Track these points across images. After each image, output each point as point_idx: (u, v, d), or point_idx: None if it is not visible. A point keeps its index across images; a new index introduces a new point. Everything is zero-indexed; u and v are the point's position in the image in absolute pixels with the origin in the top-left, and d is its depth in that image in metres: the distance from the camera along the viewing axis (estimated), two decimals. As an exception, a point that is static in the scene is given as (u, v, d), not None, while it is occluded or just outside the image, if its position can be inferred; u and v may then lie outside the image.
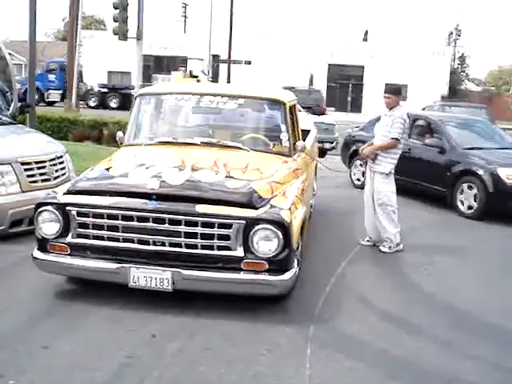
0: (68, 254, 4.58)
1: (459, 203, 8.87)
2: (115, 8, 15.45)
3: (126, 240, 4.47)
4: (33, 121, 9.88)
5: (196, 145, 5.54)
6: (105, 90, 34.39)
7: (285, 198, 4.74)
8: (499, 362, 4.07)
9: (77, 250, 4.56)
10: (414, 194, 9.66)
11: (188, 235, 4.37)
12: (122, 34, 15.52)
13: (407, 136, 9.71)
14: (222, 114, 6.15)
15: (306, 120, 15.89)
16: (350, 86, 46.05)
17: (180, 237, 4.38)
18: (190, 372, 3.65)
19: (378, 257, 6.47)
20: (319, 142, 15.94)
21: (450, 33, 55.46)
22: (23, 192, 6.33)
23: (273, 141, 5.81)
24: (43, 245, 4.65)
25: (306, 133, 7.69)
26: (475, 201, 8.62)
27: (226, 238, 4.34)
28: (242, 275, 4.35)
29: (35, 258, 4.69)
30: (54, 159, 6.87)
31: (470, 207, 8.71)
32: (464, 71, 54.54)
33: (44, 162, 6.69)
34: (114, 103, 33.76)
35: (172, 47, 45.62)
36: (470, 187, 8.74)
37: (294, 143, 5.88)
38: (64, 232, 4.56)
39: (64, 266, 4.60)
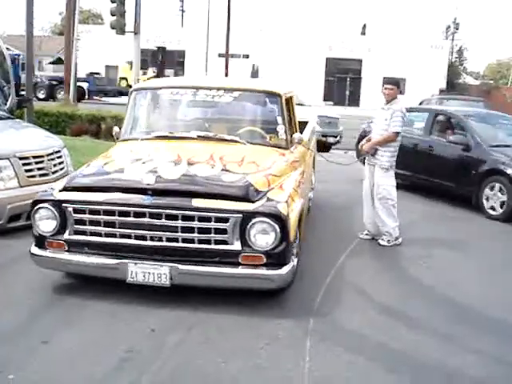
0: (66, 251, 4.58)
1: (485, 204, 8.38)
2: (112, 2, 15.41)
3: (123, 236, 4.46)
4: (30, 115, 9.87)
5: (192, 139, 5.52)
6: (54, 82, 33.92)
7: (282, 191, 4.73)
8: (501, 355, 4.06)
9: (74, 246, 4.56)
10: (438, 195, 9.33)
11: (185, 230, 4.36)
12: (120, 28, 15.49)
13: (429, 133, 9.65)
14: (218, 107, 6.14)
15: (308, 113, 15.86)
16: (348, 79, 46.03)
17: (177, 232, 4.37)
18: (188, 365, 3.65)
19: (377, 250, 6.47)
20: (322, 136, 15.95)
21: (447, 26, 55.38)
22: (21, 187, 6.32)
23: (269, 133, 5.79)
24: (41, 241, 4.64)
25: (304, 124, 7.68)
26: (503, 202, 8.14)
27: (223, 232, 4.33)
28: (239, 269, 4.35)
29: (33, 254, 4.69)
30: (51, 154, 6.86)
31: (496, 208, 8.24)
32: (462, 65, 54.53)
33: (42, 156, 6.68)
34: (62, 95, 33.12)
35: (170, 41, 45.47)
36: (497, 187, 8.24)
37: (291, 135, 5.86)
38: (61, 229, 4.55)
39: (62, 262, 4.60)
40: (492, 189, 8.34)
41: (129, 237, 4.46)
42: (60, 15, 56.38)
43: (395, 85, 6.60)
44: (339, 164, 7.78)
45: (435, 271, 5.86)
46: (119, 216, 4.43)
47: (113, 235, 4.48)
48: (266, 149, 5.59)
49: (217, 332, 4.11)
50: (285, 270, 4.39)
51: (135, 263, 4.41)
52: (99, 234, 4.50)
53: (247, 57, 43.76)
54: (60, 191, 4.69)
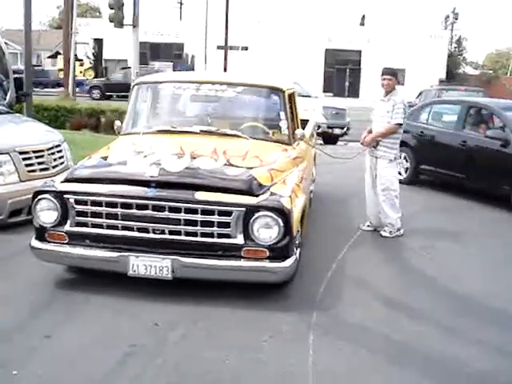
0: (66, 243, 4.55)
1: None
2: (110, -5, 15.31)
3: (125, 228, 4.44)
4: (30, 110, 9.83)
5: (195, 133, 5.50)
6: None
7: (285, 186, 4.71)
8: (504, 346, 4.05)
9: (75, 238, 4.53)
10: (472, 194, 8.78)
11: (188, 223, 4.34)
12: (118, 21, 15.41)
13: (462, 127, 9.01)
14: (220, 102, 6.11)
15: (313, 104, 15.70)
16: (348, 70, 45.92)
17: (180, 224, 4.35)
18: (192, 360, 3.64)
19: (379, 242, 6.46)
20: (328, 128, 15.82)
21: (446, 16, 55.12)
22: (22, 181, 6.30)
23: (272, 129, 5.77)
24: (41, 234, 4.62)
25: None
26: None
27: (226, 225, 4.32)
28: (242, 262, 4.33)
29: (33, 247, 4.67)
30: (51, 148, 6.84)
31: None
32: (461, 55, 54.29)
33: (42, 151, 6.65)
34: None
35: (168, 34, 45.38)
36: None
37: (294, 131, 5.84)
38: (62, 220, 4.53)
39: (62, 255, 4.58)
40: None
41: (131, 229, 4.44)
42: (58, 9, 56.14)
43: (393, 75, 6.56)
44: (340, 158, 7.73)
45: (438, 262, 5.86)
46: (121, 208, 4.41)
47: (115, 227, 4.46)
48: (269, 144, 5.57)
49: (219, 326, 4.10)
50: (288, 262, 4.38)
51: (137, 256, 4.39)
52: (101, 226, 4.48)
53: (246, 49, 43.69)
54: (62, 182, 4.67)
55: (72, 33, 20.47)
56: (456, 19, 56.01)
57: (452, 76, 45.22)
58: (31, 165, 6.47)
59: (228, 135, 5.50)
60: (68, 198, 4.51)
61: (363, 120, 11.36)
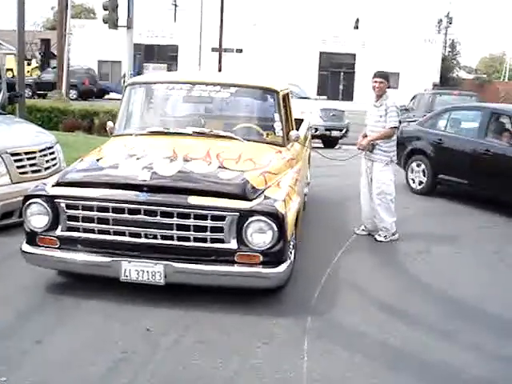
0: (58, 248, 4.49)
1: None
2: (105, -4, 15.28)
3: (116, 233, 4.38)
4: (22, 111, 9.75)
5: (188, 135, 5.45)
6: None
7: (279, 189, 4.67)
8: (501, 352, 4.02)
9: (67, 243, 4.47)
10: (470, 199, 8.66)
11: (180, 227, 4.29)
12: (112, 23, 15.41)
13: (484, 134, 8.41)
14: (214, 103, 6.07)
15: (311, 106, 15.56)
16: (342, 74, 45.97)
17: (172, 229, 4.30)
18: (185, 366, 3.58)
19: (374, 246, 6.42)
20: (326, 130, 15.68)
21: (439, 20, 55.19)
22: (13, 183, 6.24)
23: (266, 130, 5.72)
24: (32, 238, 4.56)
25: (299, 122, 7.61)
26: None
27: (219, 230, 4.26)
28: (235, 268, 4.28)
29: (24, 251, 4.60)
30: (44, 150, 6.77)
31: None
32: (455, 59, 54.40)
33: (34, 152, 6.59)
34: None
35: (163, 36, 45.31)
36: None
37: (288, 133, 5.79)
38: (53, 225, 4.47)
39: (53, 259, 4.51)
40: None
41: (123, 234, 4.38)
42: (52, 10, 55.93)
43: (385, 78, 6.50)
44: (334, 159, 7.68)
45: (433, 266, 5.82)
46: (113, 212, 4.35)
47: (106, 232, 4.40)
48: (263, 146, 5.52)
49: (213, 331, 4.04)
50: (282, 268, 4.33)
51: (129, 261, 4.33)
52: (92, 231, 4.42)
53: (241, 51, 43.67)
54: (53, 186, 4.61)
55: (66, 34, 20.39)
56: (450, 23, 56.15)
57: (446, 80, 45.33)
58: (23, 166, 6.41)
59: (221, 137, 5.45)
60: (59, 203, 4.45)
61: (358, 123, 11.35)
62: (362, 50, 44.71)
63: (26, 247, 4.60)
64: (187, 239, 4.31)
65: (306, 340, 3.97)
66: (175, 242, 4.32)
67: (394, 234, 6.59)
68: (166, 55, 46.04)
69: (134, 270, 4.33)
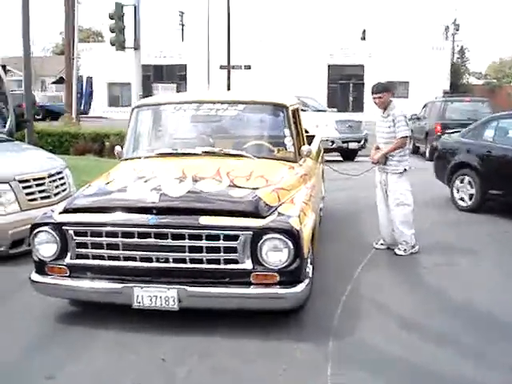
0: (67, 276, 4.35)
1: None
2: (111, 18, 15.38)
3: (127, 258, 4.24)
4: (31, 136, 9.70)
5: (197, 155, 5.31)
6: None
7: (293, 205, 4.50)
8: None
9: (76, 271, 4.33)
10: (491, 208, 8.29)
11: (192, 249, 4.13)
12: (119, 45, 15.45)
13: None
14: (222, 121, 5.92)
15: (325, 119, 15.31)
16: (351, 85, 45.86)
17: (184, 252, 4.14)
18: (201, 397, 3.41)
19: (394, 260, 6.20)
20: (343, 143, 15.38)
21: (446, 27, 55.04)
22: (22, 211, 6.15)
23: (277, 146, 5.57)
24: (41, 267, 4.43)
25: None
26: None
27: (233, 250, 4.09)
28: (251, 289, 4.10)
29: (33, 281, 4.47)
30: (53, 175, 6.68)
31: None
32: (464, 65, 54.16)
33: (43, 178, 6.50)
34: None
35: (171, 56, 45.54)
36: None
37: (299, 148, 5.64)
38: (62, 253, 4.33)
39: (64, 288, 4.38)
40: None
41: (133, 259, 4.23)
42: (60, 35, 56.49)
43: (384, 91, 6.26)
44: (347, 174, 7.45)
45: (457, 281, 5.57)
46: (123, 237, 4.21)
47: (116, 258, 4.25)
48: (274, 162, 5.36)
49: (230, 359, 3.85)
50: (299, 288, 4.14)
51: (141, 287, 4.17)
52: (102, 258, 4.28)
53: (249, 68, 43.74)
54: (60, 213, 4.48)
55: (74, 58, 20.49)
56: (457, 30, 56.03)
57: (456, 87, 45.06)
58: (32, 193, 6.32)
59: (232, 155, 5.30)
60: (67, 230, 4.32)
61: (371, 134, 11.20)
62: (370, 61, 44.58)
63: (36, 276, 4.47)
64: (200, 261, 4.15)
65: (330, 366, 3.76)
66: (188, 265, 4.16)
67: (413, 247, 6.38)
68: (174, 75, 46.23)
69: (146, 295, 4.18)
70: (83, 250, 4.30)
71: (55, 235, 4.32)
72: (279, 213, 4.26)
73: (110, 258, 4.26)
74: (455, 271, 5.87)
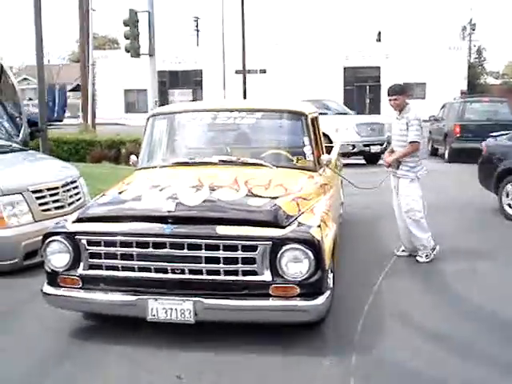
0: (80, 288, 4.22)
1: None
2: (125, 25, 15.35)
3: (141, 269, 4.10)
4: (45, 145, 9.64)
5: (214, 164, 5.18)
6: None
7: (313, 215, 4.34)
8: None
9: (89, 282, 4.21)
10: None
11: (209, 260, 3.98)
12: (134, 51, 15.43)
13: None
14: (239, 129, 5.79)
15: (346, 122, 15.02)
16: (368, 87, 45.54)
17: (201, 262, 3.99)
18: (220, 417, 3.25)
19: (417, 268, 6.01)
20: (365, 146, 15.06)
21: (463, 27, 54.58)
22: (36, 221, 6.06)
23: (295, 155, 5.41)
24: (53, 278, 4.31)
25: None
26: None
27: (252, 261, 3.94)
28: (270, 302, 3.93)
29: (45, 293, 4.35)
30: (67, 185, 6.59)
31: None
32: (482, 65, 53.59)
33: (56, 188, 6.41)
34: None
35: (186, 61, 45.59)
36: None
37: (319, 157, 5.49)
38: (75, 263, 4.20)
39: (76, 300, 4.25)
40: None
41: (148, 270, 4.09)
42: (77, 43, 56.93)
43: (400, 93, 6.09)
44: (364, 189, 7.11)
45: (482, 287, 5.38)
46: (137, 247, 4.07)
47: (131, 269, 4.11)
48: (293, 172, 5.22)
49: (249, 376, 3.70)
50: (320, 299, 3.97)
51: (156, 299, 4.03)
52: (116, 268, 4.14)
53: (264, 72, 43.63)
54: (73, 222, 4.37)
55: (89, 65, 20.53)
56: (473, 30, 55.51)
57: (473, 87, 44.56)
58: (45, 203, 6.23)
59: (250, 164, 5.16)
60: (80, 239, 4.19)
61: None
62: (386, 62, 44.26)
63: (48, 288, 4.35)
64: (217, 273, 4.00)
65: (353, 382, 3.58)
66: (204, 277, 4.01)
67: (434, 249, 6.17)
68: (190, 80, 46.28)
69: (161, 308, 4.03)
70: (96, 261, 4.18)
71: (68, 245, 4.20)
72: (299, 223, 4.10)
73: (124, 268, 4.13)
74: (481, 280, 5.65)
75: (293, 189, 4.64)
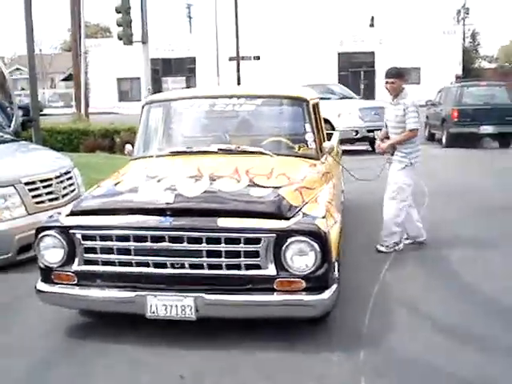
0: (75, 284, 4.04)
1: None
2: (118, 12, 15.13)
3: (139, 264, 3.92)
4: (38, 135, 9.43)
5: (213, 153, 4.99)
6: None
7: (318, 205, 4.16)
8: None
9: (85, 278, 4.03)
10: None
11: (210, 254, 3.81)
12: (127, 38, 15.22)
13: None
14: (239, 117, 5.59)
15: (349, 107, 14.64)
16: (362, 73, 45.29)
17: (201, 256, 3.82)
18: (225, 419, 3.10)
19: (421, 257, 5.85)
20: (368, 132, 14.71)
21: (457, 11, 54.22)
22: (29, 214, 5.88)
23: (297, 143, 5.23)
24: (47, 275, 4.13)
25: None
26: None
27: (255, 254, 3.77)
28: (275, 296, 3.77)
29: (39, 290, 4.17)
30: (60, 176, 6.40)
31: None
32: (476, 49, 53.31)
33: (50, 179, 6.22)
34: None
35: (179, 49, 45.19)
36: None
37: (321, 144, 5.30)
38: (69, 259, 4.02)
39: (71, 297, 4.07)
40: None
41: (146, 265, 3.91)
42: (69, 32, 56.38)
43: (398, 76, 5.88)
44: (364, 180, 6.90)
45: (491, 275, 5.24)
46: (135, 241, 3.89)
47: (128, 264, 3.94)
48: (295, 160, 5.03)
49: (253, 374, 3.53)
50: (327, 294, 3.80)
51: (155, 295, 3.86)
52: (112, 263, 3.96)
53: (258, 58, 43.32)
54: (67, 216, 4.18)
55: (81, 54, 20.21)
56: (467, 14, 55.14)
57: (468, 71, 44.36)
58: (39, 195, 6.05)
59: (250, 153, 4.97)
60: (74, 234, 4.01)
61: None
62: (380, 48, 44.01)
63: (41, 285, 4.17)
64: (219, 267, 3.83)
65: (363, 380, 3.43)
66: (205, 271, 3.84)
67: (397, 244, 6.01)
68: (184, 68, 45.92)
69: (161, 304, 3.86)
70: (92, 256, 4.00)
71: (62, 239, 4.02)
72: (304, 213, 3.93)
73: (121, 263, 3.95)
74: (489, 268, 5.51)
75: (296, 178, 4.47)
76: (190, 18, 59.41)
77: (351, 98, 16.78)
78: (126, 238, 3.92)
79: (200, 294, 3.80)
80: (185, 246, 3.82)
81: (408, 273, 5.39)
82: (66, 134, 15.20)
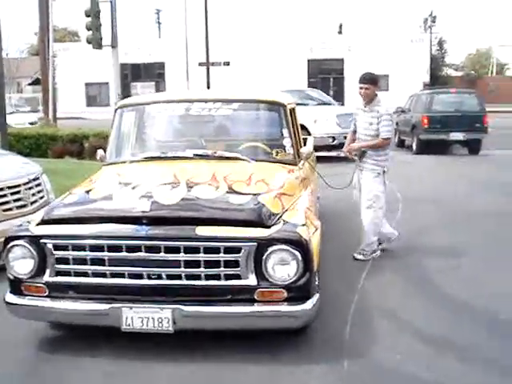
0: (46, 296, 3.87)
1: None
2: (87, 16, 14.86)
3: (114, 275, 3.77)
4: (4, 140, 9.17)
5: (188, 158, 4.86)
6: None
7: (297, 212, 4.08)
8: None
9: (57, 290, 3.85)
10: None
11: (189, 264, 3.68)
12: (96, 42, 14.95)
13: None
14: (215, 121, 5.49)
15: (326, 113, 14.49)
16: (331, 79, 45.61)
17: (179, 267, 3.69)
18: None
19: (400, 264, 5.81)
20: (345, 138, 14.45)
21: (424, 19, 54.98)
22: (-4, 222, 5.62)
23: (275, 148, 5.14)
24: (16, 286, 3.94)
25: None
26: None
27: (235, 264, 3.65)
28: (255, 307, 3.66)
29: (8, 302, 3.98)
30: (28, 182, 6.17)
31: None
32: (443, 57, 54.12)
33: (18, 186, 5.99)
34: None
35: (149, 54, 44.88)
36: None
37: (298, 150, 5.23)
38: (40, 270, 3.84)
39: (42, 310, 3.89)
40: None
41: (122, 276, 3.76)
42: (36, 35, 55.50)
43: (371, 82, 5.81)
44: (338, 189, 6.82)
45: (470, 283, 5.21)
46: (109, 251, 3.74)
47: (102, 275, 3.78)
48: (274, 165, 4.94)
49: (236, 389, 3.42)
50: (309, 304, 3.71)
51: (130, 307, 3.71)
52: (86, 274, 3.80)
53: (228, 64, 43.21)
54: (37, 225, 4.00)
55: (49, 57, 19.82)
56: (434, 22, 55.94)
57: (436, 79, 45.01)
58: (6, 202, 5.81)
59: (226, 158, 4.86)
60: (45, 243, 3.83)
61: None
62: (349, 55, 44.41)
63: (10, 297, 3.98)
64: (197, 277, 3.70)
65: (347, 390, 3.35)
66: (183, 282, 3.71)
67: (374, 252, 5.96)
68: (153, 73, 45.65)
69: (136, 317, 3.72)
70: (64, 266, 3.83)
71: (32, 250, 3.84)
72: (284, 221, 3.84)
73: (95, 274, 3.80)
74: (466, 275, 5.49)
75: (275, 184, 4.37)
76: (159, 23, 59.07)
77: (329, 104, 16.75)
78: (99, 248, 3.76)
79: (178, 306, 3.68)
80: (162, 255, 3.69)
81: (387, 281, 5.33)
82: (34, 139, 14.84)
